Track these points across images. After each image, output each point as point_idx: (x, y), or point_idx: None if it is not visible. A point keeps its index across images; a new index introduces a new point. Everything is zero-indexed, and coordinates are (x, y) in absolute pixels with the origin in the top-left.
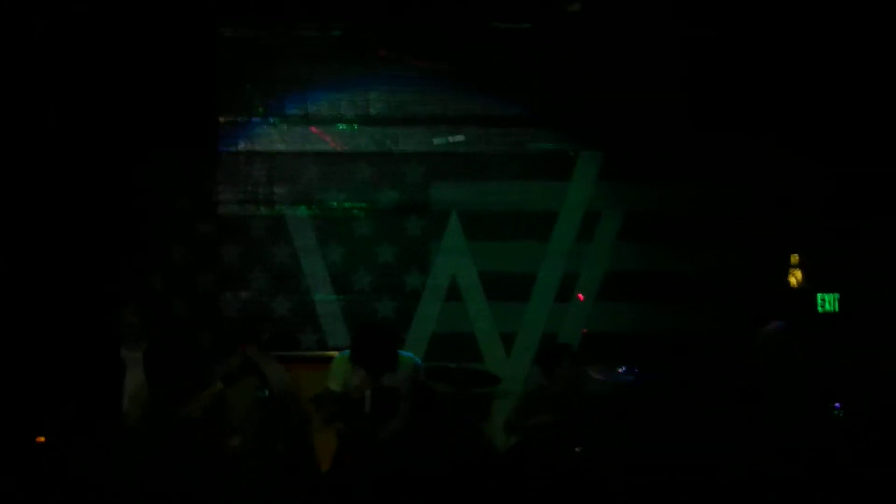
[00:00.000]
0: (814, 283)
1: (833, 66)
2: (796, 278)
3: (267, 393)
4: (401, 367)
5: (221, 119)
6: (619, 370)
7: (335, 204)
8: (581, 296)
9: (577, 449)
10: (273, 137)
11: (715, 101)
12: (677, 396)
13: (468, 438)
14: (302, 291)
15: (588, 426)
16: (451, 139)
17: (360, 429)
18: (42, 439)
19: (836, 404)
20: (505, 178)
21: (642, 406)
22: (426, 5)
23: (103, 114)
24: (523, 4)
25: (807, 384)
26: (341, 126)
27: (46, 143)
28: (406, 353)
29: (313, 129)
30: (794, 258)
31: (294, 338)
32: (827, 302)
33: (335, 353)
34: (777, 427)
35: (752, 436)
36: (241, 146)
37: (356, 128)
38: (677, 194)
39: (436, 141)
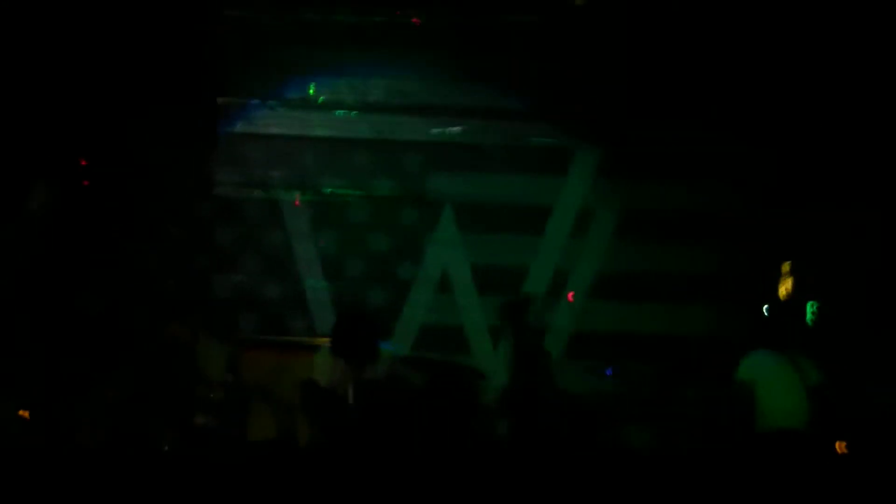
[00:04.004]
0: (805, 291)
1: (839, 68)
2: (786, 288)
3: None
4: (382, 359)
5: (220, 100)
6: (607, 371)
7: (330, 190)
8: (571, 295)
9: None
10: (271, 121)
11: (715, 99)
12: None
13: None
14: (293, 277)
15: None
16: (448, 130)
17: (344, 422)
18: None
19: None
20: (501, 171)
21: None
22: None
23: (102, 93)
24: None
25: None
26: (340, 112)
27: (45, 121)
28: (386, 345)
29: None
30: (786, 266)
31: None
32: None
33: (324, 340)
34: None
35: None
36: (239, 128)
37: (354, 114)
38: (673, 193)
39: (433, 131)
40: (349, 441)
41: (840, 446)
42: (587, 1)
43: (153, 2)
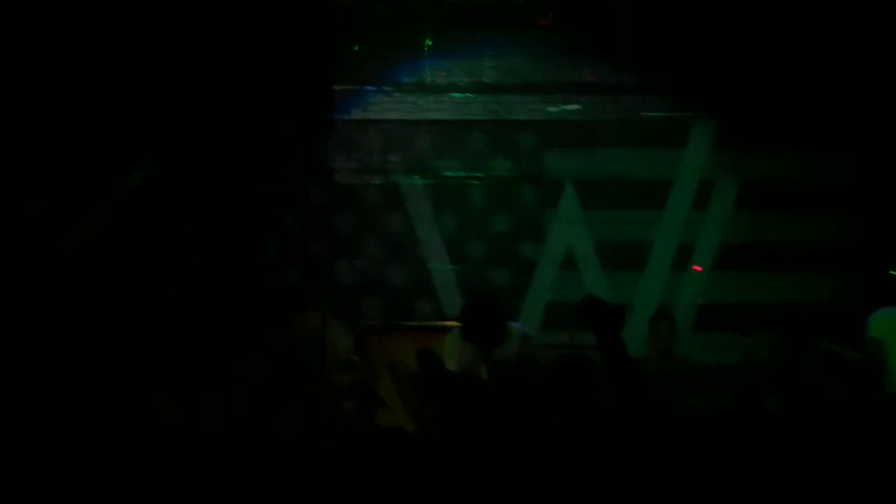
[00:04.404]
0: None
1: None
2: None
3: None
4: (511, 340)
5: (336, 87)
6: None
7: (449, 173)
8: (697, 267)
9: None
10: (387, 106)
11: (831, 65)
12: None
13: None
14: (417, 261)
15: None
16: (564, 107)
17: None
18: None
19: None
20: (619, 147)
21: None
22: None
23: (220, 82)
24: None
25: None
26: (455, 94)
27: (165, 110)
28: (515, 325)
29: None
30: None
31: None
32: None
33: (451, 323)
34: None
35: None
36: (356, 114)
37: (470, 96)
38: (792, 162)
39: (549, 109)
40: (486, 423)
41: None
42: None
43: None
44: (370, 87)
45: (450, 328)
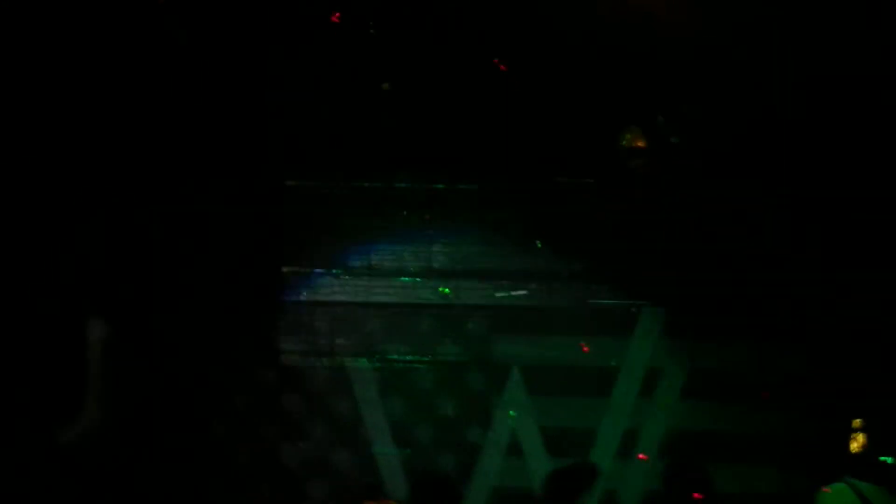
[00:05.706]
0: (878, 447)
1: None
2: (858, 443)
3: None
4: None
5: (285, 269)
6: None
7: (396, 356)
8: (642, 455)
9: None
10: (336, 288)
11: (777, 259)
12: None
13: None
14: (362, 444)
15: None
16: (513, 293)
17: None
18: None
19: None
20: (567, 334)
21: None
22: (489, 160)
23: (168, 262)
24: (586, 160)
25: None
26: (404, 278)
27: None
28: None
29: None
30: (857, 422)
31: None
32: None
33: None
34: None
35: None
36: (304, 296)
37: (418, 280)
38: (740, 353)
39: (498, 295)
40: None
41: None
42: (644, 163)
43: (215, 175)
44: (319, 270)
45: None
